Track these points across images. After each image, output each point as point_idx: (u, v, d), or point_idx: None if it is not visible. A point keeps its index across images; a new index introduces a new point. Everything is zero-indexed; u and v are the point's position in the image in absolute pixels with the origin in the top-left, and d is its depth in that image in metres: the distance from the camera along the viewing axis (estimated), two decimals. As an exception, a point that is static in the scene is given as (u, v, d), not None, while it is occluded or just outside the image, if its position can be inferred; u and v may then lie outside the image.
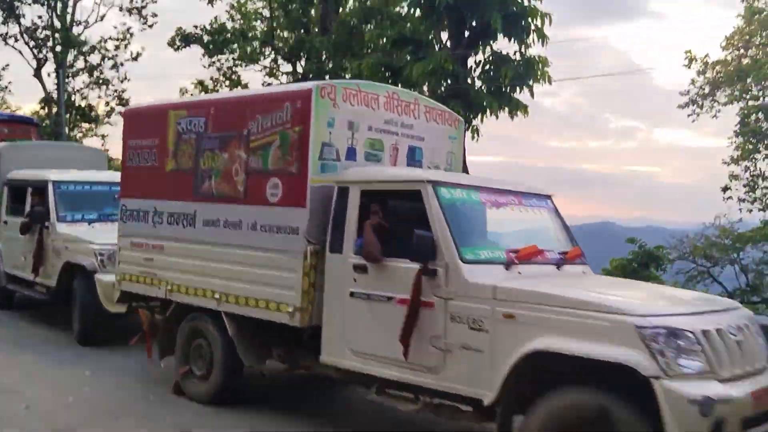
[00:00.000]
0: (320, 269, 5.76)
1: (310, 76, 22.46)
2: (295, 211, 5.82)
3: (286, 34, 25.99)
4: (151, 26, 33.53)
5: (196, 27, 24.53)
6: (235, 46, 26.06)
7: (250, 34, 25.98)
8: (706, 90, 25.50)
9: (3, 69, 31.21)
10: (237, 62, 30.33)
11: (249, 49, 28.45)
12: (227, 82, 32.26)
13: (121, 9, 33.02)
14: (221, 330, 6.43)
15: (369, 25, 23.53)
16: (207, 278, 6.51)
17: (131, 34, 33.20)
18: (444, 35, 16.81)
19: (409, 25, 17.84)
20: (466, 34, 15.96)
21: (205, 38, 24.80)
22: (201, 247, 6.60)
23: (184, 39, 24.29)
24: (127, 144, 7.57)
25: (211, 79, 32.73)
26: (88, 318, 8.75)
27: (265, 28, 26.71)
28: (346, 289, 5.56)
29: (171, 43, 24.64)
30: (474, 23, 15.63)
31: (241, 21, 28.62)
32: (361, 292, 5.45)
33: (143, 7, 33.17)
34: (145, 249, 7.23)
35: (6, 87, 32.78)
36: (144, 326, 7.65)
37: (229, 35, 24.84)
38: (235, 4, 28.79)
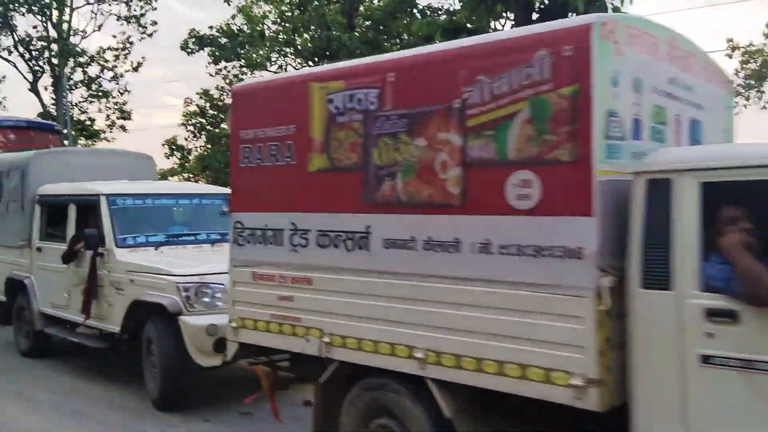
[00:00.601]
0: (620, 315, 3.51)
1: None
2: (572, 222, 3.55)
3: (305, 35, 23.70)
4: (150, 35, 31.21)
5: (211, 28, 22.19)
6: (245, 49, 23.70)
7: (268, 34, 23.57)
8: (753, 81, 23.58)
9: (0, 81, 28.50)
10: (243, 69, 28.13)
11: (259, 53, 26.22)
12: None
13: (118, 18, 30.63)
14: (426, 406, 4.14)
15: (397, 20, 21.42)
16: (397, 327, 4.22)
17: (131, 43, 30.77)
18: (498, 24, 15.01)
19: (457, 13, 15.83)
20: (534, 17, 13.95)
21: (222, 40, 22.44)
22: (382, 280, 4.31)
23: (198, 41, 21.93)
24: (239, 136, 5.25)
25: (217, 88, 30.50)
26: (170, 374, 6.40)
27: (282, 29, 24.37)
28: (689, 351, 3.30)
29: (184, 47, 22.32)
30: (546, 3, 13.64)
31: (248, 25, 26.30)
32: (733, 357, 3.19)
33: (142, 15, 30.82)
34: (278, 283, 4.92)
35: (0, 102, 30.09)
36: (263, 388, 5.37)
37: (245, 37, 22.46)
38: (242, 6, 26.47)
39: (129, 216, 7.35)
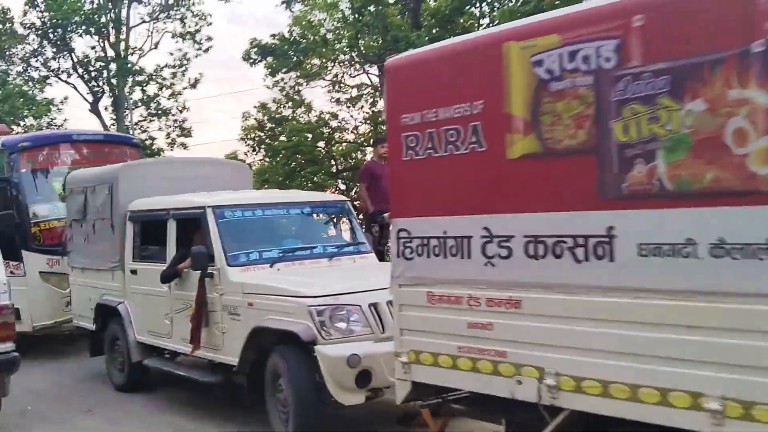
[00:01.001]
0: None
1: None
2: None
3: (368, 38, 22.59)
4: (206, 51, 30.64)
5: (273, 36, 21.26)
6: (307, 55, 22.69)
7: (330, 38, 22.55)
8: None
9: (62, 102, 28.17)
10: (300, 80, 27.24)
11: (314, 61, 25.25)
12: (290, 104, 29.24)
13: (173, 36, 30.12)
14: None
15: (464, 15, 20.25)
16: (669, 366, 3.00)
17: (188, 60, 30.20)
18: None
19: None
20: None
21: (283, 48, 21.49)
22: (639, 300, 3.09)
23: (261, 51, 21.02)
24: (399, 122, 4.09)
25: (274, 101, 29.70)
26: (306, 414, 5.25)
27: (337, 36, 23.30)
28: None
29: (246, 57, 21.48)
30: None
31: (309, 32, 25.36)
32: None
33: (197, 32, 30.26)
34: (468, 307, 3.74)
35: (62, 125, 29.69)
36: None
37: (308, 44, 21.47)
38: (297, 16, 25.52)
39: (239, 230, 6.26)
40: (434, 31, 19.40)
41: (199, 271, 6.11)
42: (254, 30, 54.58)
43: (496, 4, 19.20)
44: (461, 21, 20.37)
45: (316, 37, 21.85)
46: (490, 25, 15.17)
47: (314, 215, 6.86)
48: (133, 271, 7.30)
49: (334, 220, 6.88)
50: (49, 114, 26.56)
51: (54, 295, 9.08)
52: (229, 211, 6.29)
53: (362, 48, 21.81)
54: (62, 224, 9.28)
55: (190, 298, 6.33)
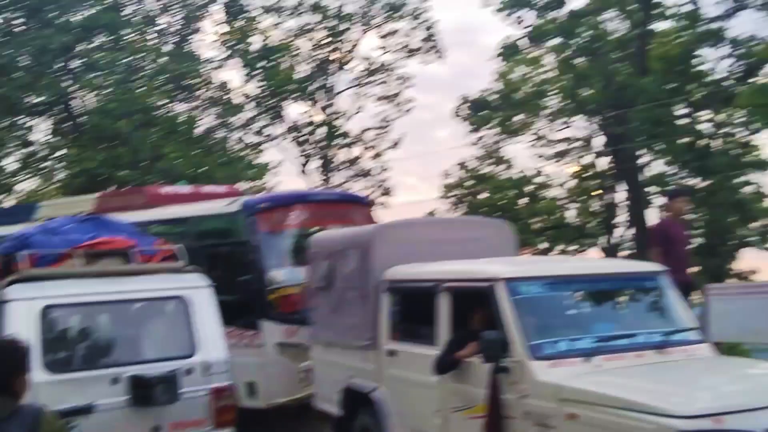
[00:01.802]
0: None
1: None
2: None
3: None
4: (407, 112, 30.31)
5: (485, 91, 20.17)
6: (520, 108, 21.32)
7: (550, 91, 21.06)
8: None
9: (277, 166, 28.89)
10: (502, 136, 25.95)
11: (522, 116, 23.82)
12: (491, 160, 27.98)
13: (376, 100, 30.15)
14: None
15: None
16: None
17: (390, 122, 30.00)
18: None
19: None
20: None
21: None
22: None
23: (473, 106, 19.97)
24: None
25: (475, 158, 28.58)
26: None
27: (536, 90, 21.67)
28: None
29: (456, 113, 20.57)
30: None
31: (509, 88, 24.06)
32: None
33: (398, 94, 30.07)
34: None
35: (273, 188, 30.44)
36: None
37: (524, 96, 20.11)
38: (503, 71, 24.27)
39: (540, 310, 4.76)
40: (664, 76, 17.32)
41: (490, 364, 4.64)
42: (440, 95, 54.53)
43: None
44: (692, 63, 18.09)
45: (531, 89, 20.40)
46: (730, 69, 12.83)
47: (627, 290, 5.19)
48: (391, 353, 5.99)
49: (652, 295, 5.17)
50: (262, 177, 27.16)
51: (290, 369, 8.04)
52: (526, 286, 4.80)
53: (579, 98, 20.06)
54: (299, 291, 8.34)
55: (472, 394, 4.88)
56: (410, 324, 5.87)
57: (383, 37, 28.90)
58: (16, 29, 23.82)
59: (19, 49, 22.55)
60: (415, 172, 58.80)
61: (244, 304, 8.22)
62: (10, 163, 25.35)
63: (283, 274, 8.44)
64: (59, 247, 5.99)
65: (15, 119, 24.31)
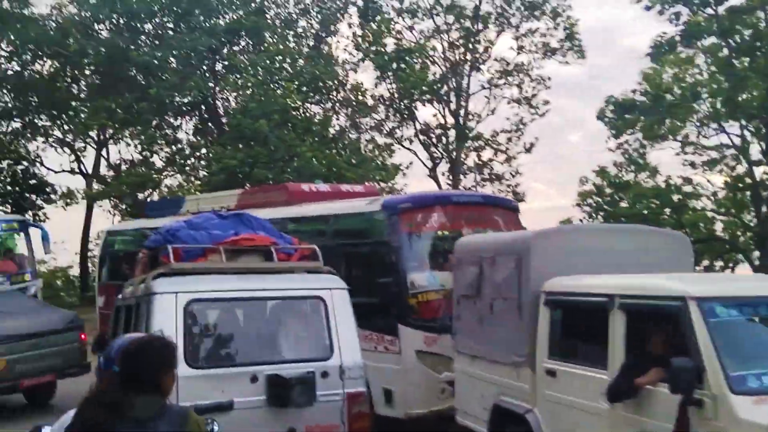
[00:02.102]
0: None
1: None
2: None
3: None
4: (542, 115, 29.24)
5: (633, 92, 19.01)
6: (671, 112, 19.89)
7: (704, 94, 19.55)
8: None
9: (407, 167, 28.75)
10: (646, 142, 24.44)
11: (669, 122, 22.26)
12: (632, 167, 26.47)
13: (509, 102, 29.29)
14: None
15: None
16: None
17: (524, 125, 29.08)
18: None
19: None
20: None
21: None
22: None
23: (619, 108, 18.85)
24: None
25: (615, 164, 27.12)
26: None
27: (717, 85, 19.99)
28: None
29: (600, 116, 19.52)
30: None
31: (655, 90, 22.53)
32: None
33: (534, 96, 29.05)
34: None
35: (401, 190, 30.33)
36: None
37: (677, 98, 18.75)
38: (648, 73, 22.74)
39: (741, 337, 4.08)
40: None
41: (680, 395, 4.01)
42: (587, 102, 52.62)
43: None
44: None
45: (684, 93, 18.98)
46: None
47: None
48: (550, 372, 5.44)
49: None
50: (393, 179, 27.06)
51: (430, 379, 7.65)
52: (724, 307, 4.12)
53: (736, 102, 18.44)
54: (440, 297, 7.94)
55: (652, 427, 4.26)
56: (573, 342, 5.31)
57: (520, 37, 28.10)
58: (167, 33, 25.10)
59: (168, 51, 23.72)
60: (544, 178, 57.01)
61: (382, 308, 7.93)
62: (158, 160, 26.82)
63: (424, 278, 8.06)
64: (203, 242, 6.00)
65: (163, 119, 25.65)
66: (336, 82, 25.23)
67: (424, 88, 26.99)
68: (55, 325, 10.30)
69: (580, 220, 29.18)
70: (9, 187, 27.21)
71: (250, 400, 5.29)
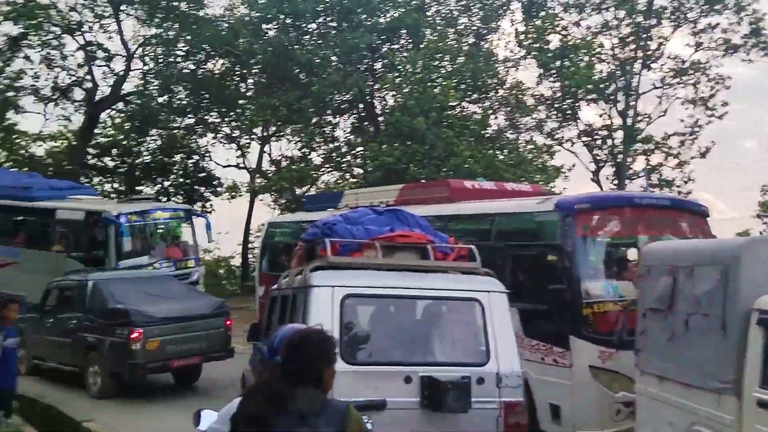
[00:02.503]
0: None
1: None
2: None
3: None
4: (720, 117, 26.90)
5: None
6: None
7: None
8: None
9: (569, 170, 27.59)
10: None
11: None
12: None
13: (683, 103, 27.20)
14: None
15: None
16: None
17: (699, 127, 26.89)
18: None
19: None
20: None
21: None
22: None
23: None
24: None
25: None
26: None
27: None
28: None
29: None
30: None
31: None
32: None
33: (711, 96, 26.78)
34: None
35: (560, 193, 29.13)
36: None
37: None
38: None
39: None
40: None
41: None
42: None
43: None
44: None
45: None
46: None
47: None
48: (762, 404, 4.64)
49: None
50: (553, 181, 26.02)
51: (604, 398, 6.97)
52: None
53: None
54: (618, 308, 7.23)
55: None
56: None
57: (698, 33, 26.02)
58: (330, 32, 25.65)
59: (330, 50, 24.22)
60: (714, 186, 52.86)
61: (552, 317, 7.36)
62: (316, 157, 27.52)
63: (600, 287, 7.39)
64: (359, 237, 5.92)
65: (323, 116, 26.26)
66: (496, 80, 24.64)
67: (589, 86, 25.71)
68: (204, 310, 10.75)
69: (760, 233, 26.59)
70: (181, 179, 29.09)
71: (403, 401, 5.12)
